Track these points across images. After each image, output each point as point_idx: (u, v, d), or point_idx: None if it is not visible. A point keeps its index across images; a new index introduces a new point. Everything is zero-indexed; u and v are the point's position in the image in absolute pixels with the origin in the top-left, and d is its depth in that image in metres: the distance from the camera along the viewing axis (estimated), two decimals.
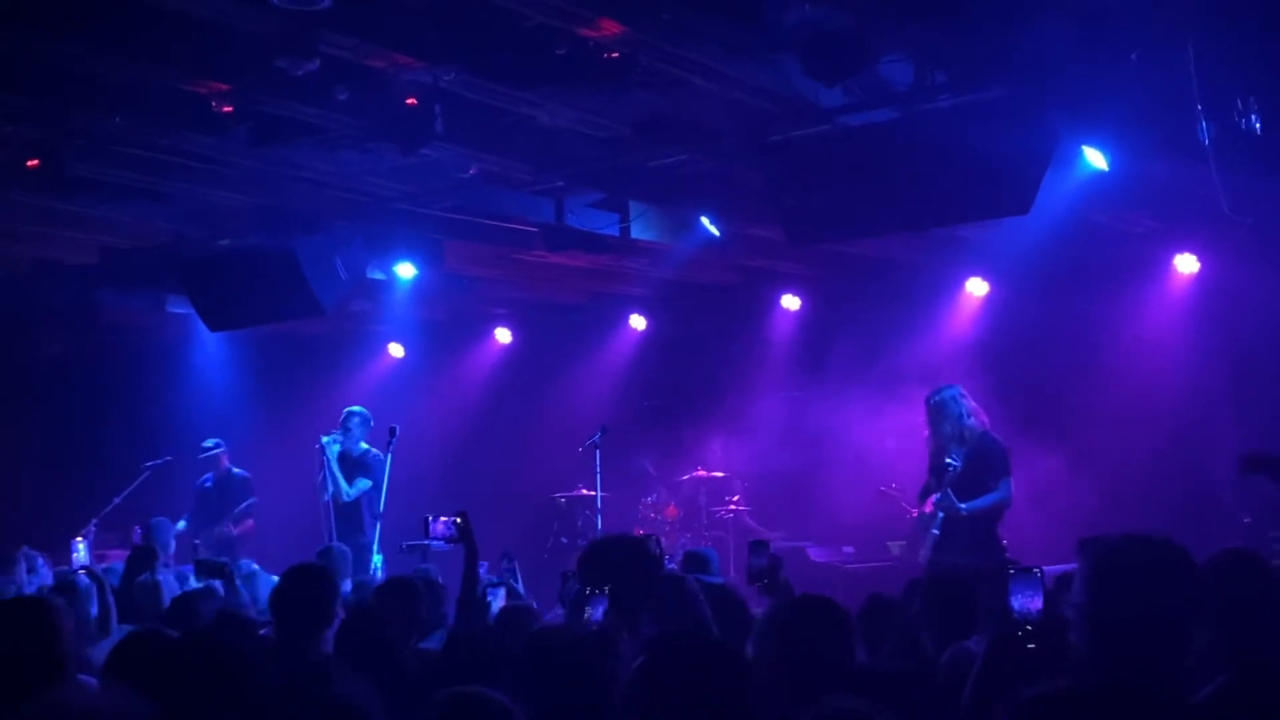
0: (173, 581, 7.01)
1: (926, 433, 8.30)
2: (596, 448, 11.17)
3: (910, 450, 9.00)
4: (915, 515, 8.61)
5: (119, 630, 5.90)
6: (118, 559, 8.30)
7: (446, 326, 13.90)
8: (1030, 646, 3.08)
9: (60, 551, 8.57)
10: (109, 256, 10.69)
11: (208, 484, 11.69)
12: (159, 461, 11.79)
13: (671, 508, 12.19)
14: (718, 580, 6.79)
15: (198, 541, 10.52)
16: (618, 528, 10.39)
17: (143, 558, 6.91)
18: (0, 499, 12.78)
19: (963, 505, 7.88)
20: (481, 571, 6.74)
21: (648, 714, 2.94)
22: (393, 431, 10.20)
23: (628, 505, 12.09)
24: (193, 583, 6.99)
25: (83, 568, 6.87)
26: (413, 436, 10.87)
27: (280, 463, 11.83)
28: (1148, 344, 10.23)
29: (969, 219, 8.34)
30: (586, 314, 13.33)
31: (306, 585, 4.62)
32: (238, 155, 8.15)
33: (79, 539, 8.64)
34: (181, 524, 10.80)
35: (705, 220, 9.35)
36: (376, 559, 9.91)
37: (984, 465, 8.00)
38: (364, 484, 10.51)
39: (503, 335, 14.01)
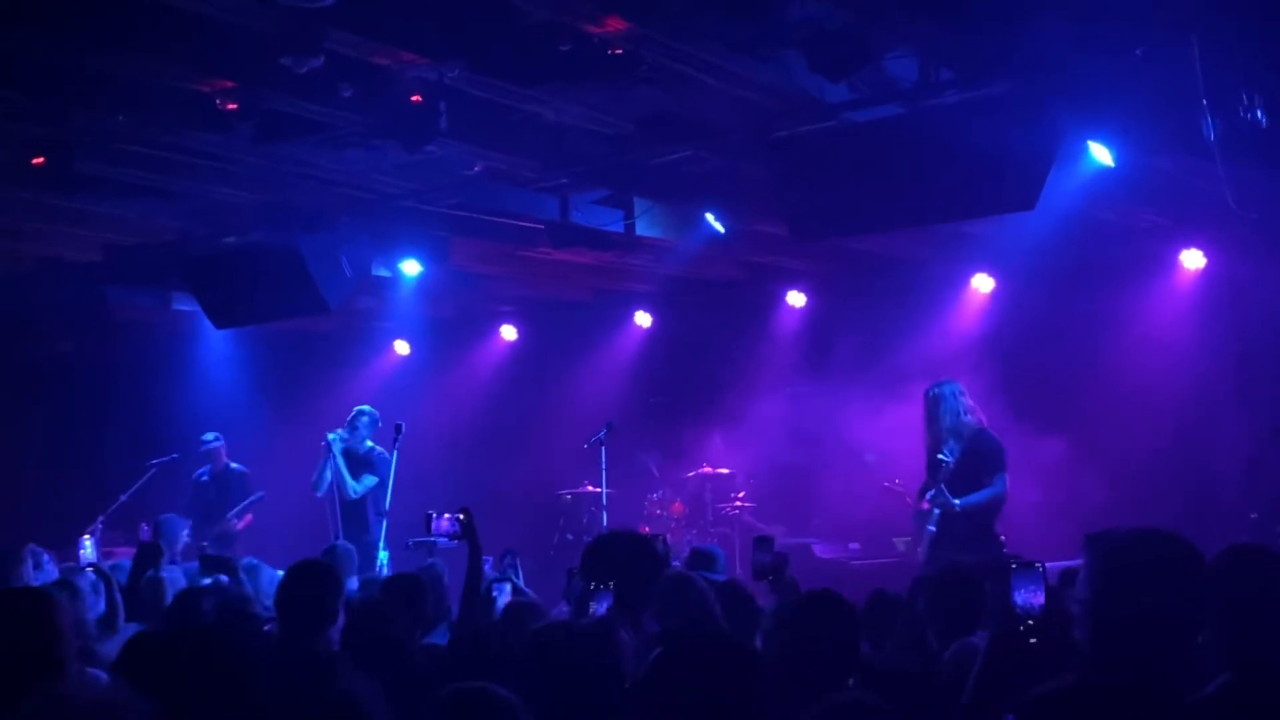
0: (180, 578, 7.02)
1: (923, 425, 8.31)
2: (602, 444, 11.17)
3: (916, 446, 8.99)
4: (912, 511, 8.60)
5: (126, 628, 5.91)
6: (124, 556, 8.32)
7: (452, 324, 13.91)
8: (1032, 642, 3.08)
9: (67, 549, 8.58)
10: (115, 254, 10.71)
11: (204, 478, 11.71)
12: (165, 459, 11.81)
13: (677, 504, 12.19)
14: (722, 578, 6.79)
15: (205, 544, 10.52)
16: (623, 524, 10.38)
17: (149, 555, 6.92)
18: (6, 496, 12.81)
19: (957, 501, 7.88)
20: (486, 568, 6.75)
21: (661, 708, 2.94)
22: (398, 428, 10.21)
23: (633, 502, 12.10)
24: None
25: (90, 565, 6.87)
26: (418, 433, 10.88)
27: (286, 459, 11.83)
28: (1153, 339, 10.21)
29: (975, 215, 8.34)
30: (592, 311, 13.33)
31: (310, 582, 4.62)
32: (242, 153, 8.16)
33: (86, 536, 8.64)
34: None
35: (710, 217, 9.35)
36: (383, 556, 9.92)
37: (979, 461, 8.00)
38: (370, 481, 10.53)
39: (508, 332, 14.01)
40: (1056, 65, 6.54)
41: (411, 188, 9.23)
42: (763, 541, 5.41)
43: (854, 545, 11.33)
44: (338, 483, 10.56)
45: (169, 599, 6.20)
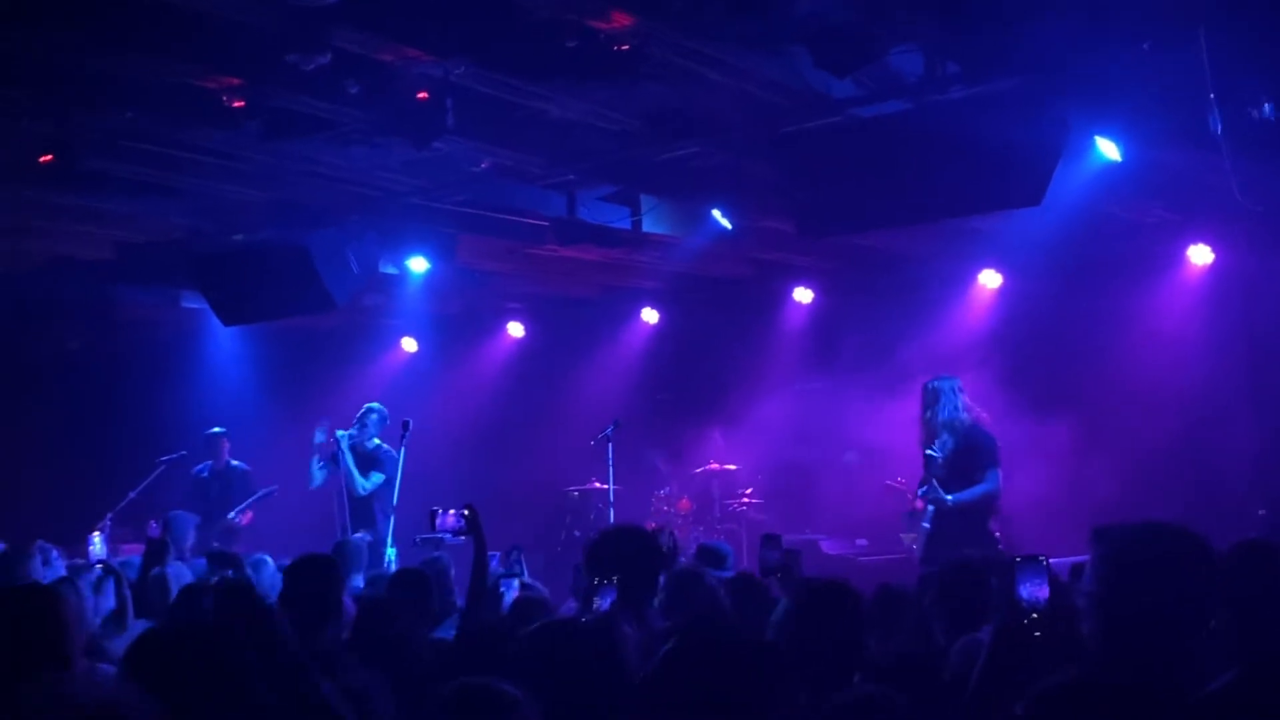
0: (187, 574, 7.04)
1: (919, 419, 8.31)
2: (609, 441, 11.18)
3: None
4: (909, 510, 8.60)
5: (136, 624, 5.93)
6: (132, 553, 8.34)
7: (459, 321, 13.92)
8: (1036, 635, 3.07)
9: (76, 545, 8.60)
10: (124, 252, 10.73)
11: (204, 474, 11.74)
12: (174, 456, 11.83)
13: (684, 501, 12.20)
14: (730, 576, 6.78)
15: (216, 543, 10.54)
16: (630, 521, 10.39)
17: (157, 551, 6.94)
18: (15, 493, 12.84)
19: (949, 497, 7.88)
20: (493, 564, 6.75)
21: (673, 701, 2.95)
22: (406, 425, 10.23)
23: (640, 498, 12.11)
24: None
25: (100, 562, 6.89)
26: (426, 430, 10.90)
27: (293, 456, 11.85)
28: (1161, 335, 10.19)
29: (981, 210, 8.33)
30: (598, 308, 13.34)
31: (313, 576, 4.62)
32: (250, 150, 8.17)
33: (96, 533, 8.66)
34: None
35: (717, 213, 9.35)
36: (390, 553, 9.94)
37: (972, 457, 8.00)
38: (377, 479, 10.55)
39: (515, 329, 14.02)
40: (1063, 60, 6.53)
41: (418, 185, 9.23)
42: (770, 539, 5.41)
43: (861, 541, 11.33)
44: (345, 480, 10.58)
45: (174, 595, 6.21)
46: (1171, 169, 8.30)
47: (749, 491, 12.07)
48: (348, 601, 4.86)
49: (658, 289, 12.74)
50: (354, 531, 10.06)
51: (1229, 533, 3.37)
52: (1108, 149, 7.35)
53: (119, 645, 4.61)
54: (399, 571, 6.57)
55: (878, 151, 7.51)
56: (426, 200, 9.57)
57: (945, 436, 8.07)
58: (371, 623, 4.79)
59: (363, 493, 10.52)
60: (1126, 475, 9.75)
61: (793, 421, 11.69)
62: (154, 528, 8.23)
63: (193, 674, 2.73)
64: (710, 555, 6.74)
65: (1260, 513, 9.26)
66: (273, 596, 5.14)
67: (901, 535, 10.70)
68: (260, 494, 11.52)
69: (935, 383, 8.23)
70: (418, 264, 10.68)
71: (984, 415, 8.28)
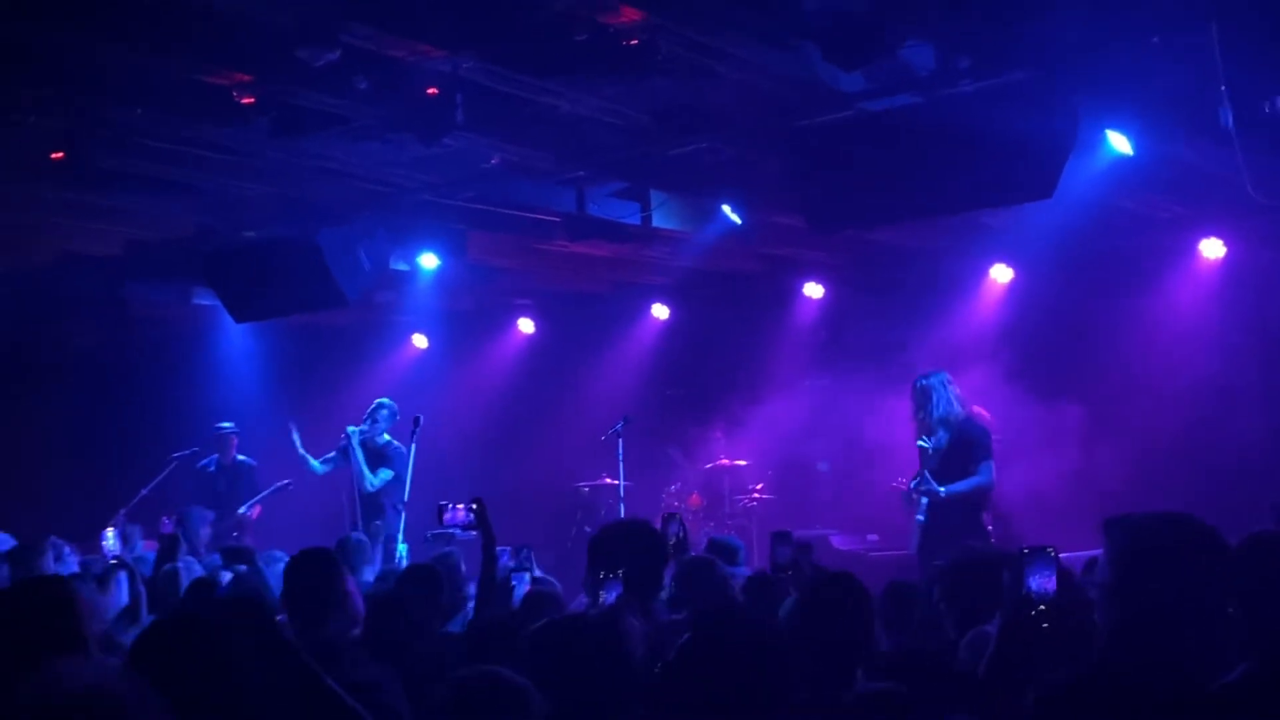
0: (198, 569, 7.06)
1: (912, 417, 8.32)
2: (619, 437, 11.19)
3: None
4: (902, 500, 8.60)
5: (149, 619, 5.95)
6: (145, 549, 8.37)
7: (470, 317, 13.93)
8: (1044, 626, 3.07)
9: (88, 542, 8.63)
10: (135, 249, 10.77)
11: (211, 469, 11.78)
12: (186, 452, 11.88)
13: (695, 496, 12.20)
14: (745, 571, 6.77)
15: (235, 534, 10.58)
16: (639, 516, 10.40)
17: (169, 547, 6.96)
18: (28, 489, 12.88)
19: (942, 489, 7.88)
20: (504, 559, 6.76)
21: (692, 692, 2.95)
22: (416, 421, 10.25)
23: (651, 494, 12.11)
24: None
25: (115, 558, 6.91)
26: (436, 427, 10.92)
27: (307, 451, 11.88)
28: (1173, 329, 10.17)
29: (992, 204, 8.31)
30: (609, 303, 13.34)
31: (312, 571, 4.62)
32: (260, 147, 8.18)
33: (109, 529, 8.69)
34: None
35: (727, 208, 9.34)
36: (402, 548, 9.96)
37: (966, 450, 8.00)
38: (386, 474, 10.57)
39: (525, 325, 14.03)
40: (1074, 53, 6.51)
41: (428, 181, 9.24)
42: (781, 536, 5.41)
43: (872, 537, 11.32)
44: (355, 476, 10.61)
45: (184, 590, 6.23)
46: (1183, 163, 8.27)
47: (759, 487, 12.07)
48: (357, 597, 4.85)
49: (668, 285, 12.73)
50: (365, 527, 10.08)
51: (1240, 527, 3.35)
52: (1119, 143, 7.33)
53: (132, 640, 4.62)
54: (410, 567, 6.58)
55: (888, 146, 7.49)
56: (437, 196, 9.58)
57: (941, 432, 8.08)
58: (382, 618, 4.80)
59: (371, 489, 10.54)
60: (1137, 468, 9.74)
61: (803, 417, 11.67)
62: (166, 523, 8.27)
63: (195, 666, 2.74)
64: (721, 550, 6.71)
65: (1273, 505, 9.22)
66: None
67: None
68: (275, 487, 11.55)
69: (924, 380, 8.24)
70: (428, 260, 10.69)
71: (978, 408, 8.28)
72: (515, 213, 9.95)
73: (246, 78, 6.93)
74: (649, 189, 9.88)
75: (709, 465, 12.33)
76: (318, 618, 4.42)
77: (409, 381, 13.18)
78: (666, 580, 4.95)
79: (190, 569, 6.76)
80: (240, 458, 11.86)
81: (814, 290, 12.31)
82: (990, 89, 7.00)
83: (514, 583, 5.22)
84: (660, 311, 13.20)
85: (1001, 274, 11.25)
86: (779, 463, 12.12)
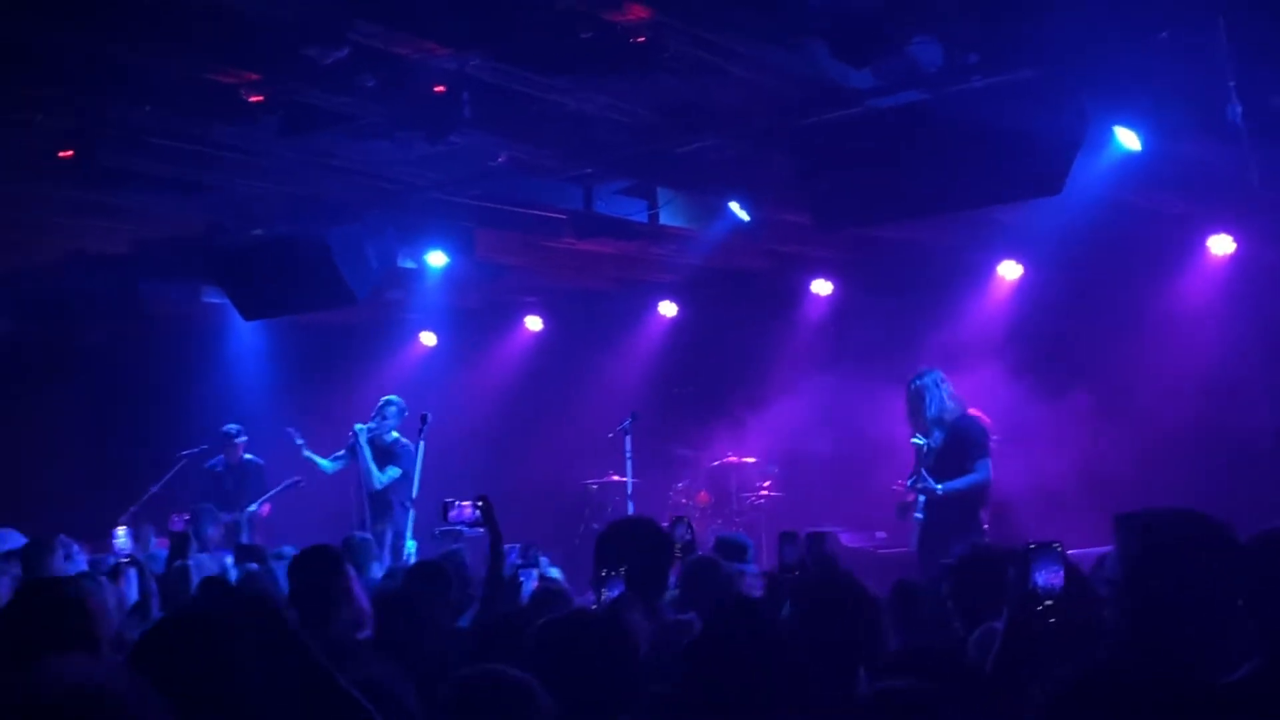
0: (210, 566, 7.08)
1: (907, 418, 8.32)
2: (627, 434, 11.19)
3: None
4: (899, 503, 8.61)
5: (159, 617, 5.96)
6: (156, 547, 8.39)
7: (477, 314, 13.95)
8: (1051, 622, 3.07)
9: (98, 540, 8.65)
10: (145, 247, 10.79)
11: (219, 468, 11.80)
12: (195, 450, 11.92)
13: (703, 494, 12.19)
14: (753, 569, 6.76)
15: (244, 538, 10.60)
16: (648, 514, 10.40)
17: (179, 545, 6.98)
18: (37, 487, 12.93)
19: (940, 486, 7.87)
20: (513, 556, 6.76)
21: (702, 689, 2.96)
22: (424, 419, 10.26)
23: (658, 492, 12.10)
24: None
25: (127, 556, 6.92)
26: (444, 424, 10.93)
27: (314, 450, 11.91)
28: (1182, 325, 10.14)
29: (1001, 201, 8.29)
30: (616, 301, 13.34)
31: (316, 569, 4.63)
32: (268, 145, 8.20)
33: (121, 528, 8.71)
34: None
35: (734, 206, 9.33)
36: (410, 546, 9.97)
37: (963, 447, 8.00)
38: (393, 472, 10.58)
39: (533, 323, 14.04)
40: (1082, 49, 6.50)
41: (436, 178, 9.25)
42: (788, 536, 5.40)
43: (881, 534, 11.31)
44: (363, 473, 10.62)
45: (194, 586, 6.24)
46: (1192, 159, 8.25)
47: (767, 484, 12.06)
48: (363, 596, 4.86)
49: (675, 282, 12.73)
50: (373, 525, 10.10)
51: (1248, 522, 3.34)
52: (1127, 139, 7.31)
53: None
54: (417, 564, 6.59)
55: (896, 143, 7.49)
56: (444, 194, 9.59)
57: (934, 431, 8.09)
58: (390, 615, 4.80)
59: (379, 486, 10.56)
60: (1146, 464, 9.71)
61: (811, 414, 11.65)
62: (176, 521, 8.29)
63: (197, 665, 2.74)
64: (730, 548, 6.68)
65: None
66: None
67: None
68: (285, 484, 11.57)
69: (917, 381, 8.25)
70: (436, 258, 10.71)
71: (974, 410, 8.28)
72: (523, 210, 9.96)
73: (255, 76, 6.94)
74: (656, 186, 9.88)
75: (716, 463, 12.31)
76: (322, 615, 4.43)
77: (417, 379, 13.20)
78: (672, 581, 4.95)
79: (201, 567, 6.78)
80: (247, 457, 11.88)
81: (822, 287, 12.30)
82: (998, 85, 6.99)
83: (521, 579, 5.23)
84: (668, 309, 13.19)
85: (1010, 270, 11.23)
86: (787, 460, 12.11)
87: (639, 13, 6.19)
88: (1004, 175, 7.26)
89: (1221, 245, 10.19)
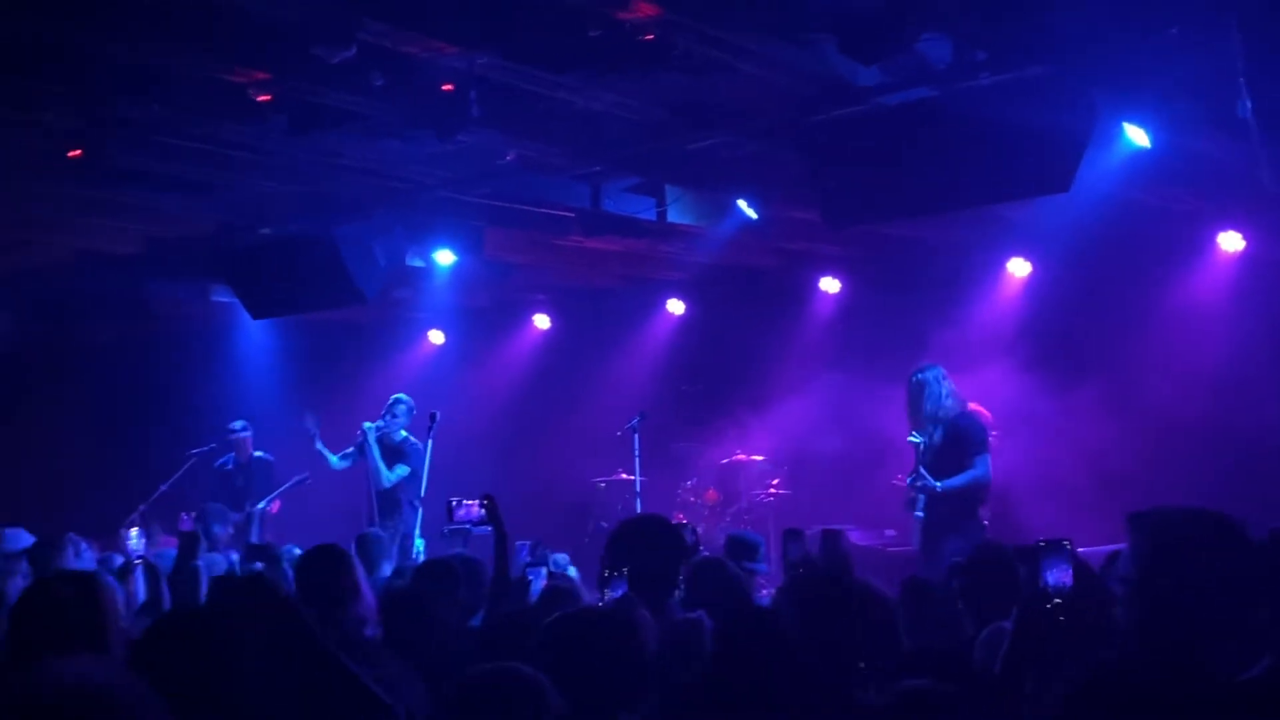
0: (221, 565, 7.09)
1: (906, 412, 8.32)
2: (635, 432, 11.19)
3: None
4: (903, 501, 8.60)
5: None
6: (165, 545, 8.40)
7: (485, 313, 13.96)
8: (1060, 620, 3.06)
9: (107, 538, 8.67)
10: (154, 246, 10.81)
11: (229, 467, 11.83)
12: (204, 449, 11.94)
13: (711, 492, 12.18)
14: (764, 568, 6.74)
15: (256, 537, 10.62)
16: (656, 512, 10.39)
17: (189, 544, 6.99)
18: (47, 486, 12.97)
19: (938, 483, 7.87)
20: (524, 554, 6.76)
21: (724, 691, 2.96)
22: (433, 417, 10.27)
23: (667, 490, 12.10)
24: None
25: (140, 558, 6.92)
26: (453, 422, 10.93)
27: (325, 446, 11.93)
28: (1192, 323, 10.10)
29: (1010, 198, 8.27)
30: (624, 299, 13.34)
31: (323, 567, 4.63)
32: (277, 144, 8.21)
33: (134, 528, 8.72)
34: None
35: (742, 203, 9.32)
36: (419, 544, 9.98)
37: (961, 444, 7.99)
38: (402, 470, 10.59)
39: (541, 321, 14.04)
40: (1091, 45, 6.48)
41: (444, 177, 9.26)
42: (793, 534, 5.39)
43: (890, 532, 11.29)
44: (372, 472, 10.64)
45: (205, 586, 6.26)
46: (1201, 155, 8.22)
47: (775, 482, 12.05)
48: (370, 594, 4.86)
49: (683, 280, 12.72)
50: (382, 523, 10.11)
51: (1260, 520, 3.33)
52: (1136, 135, 7.29)
53: None
54: (425, 563, 6.58)
55: (905, 140, 7.48)
56: (452, 193, 9.59)
57: (933, 428, 8.09)
58: (398, 613, 4.81)
59: (387, 485, 10.57)
60: (1156, 462, 9.69)
61: (820, 412, 11.64)
62: (185, 520, 8.30)
63: (196, 664, 2.74)
64: (741, 546, 6.65)
65: None
66: None
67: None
68: (293, 481, 11.59)
69: (919, 375, 8.23)
70: (444, 257, 10.71)
71: (974, 405, 8.27)
72: (531, 208, 9.96)
73: (263, 75, 6.95)
74: (664, 184, 9.87)
75: (725, 461, 12.30)
76: (330, 614, 4.43)
77: (425, 377, 13.21)
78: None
79: (212, 566, 6.79)
80: (257, 454, 11.90)
81: (830, 285, 12.28)
82: (1007, 82, 6.97)
83: (530, 578, 5.23)
84: (676, 307, 13.19)
85: (1019, 268, 11.20)
86: (795, 458, 12.09)
87: (647, 10, 6.19)
88: (1013, 172, 7.24)
89: (1231, 242, 10.15)
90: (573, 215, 9.96)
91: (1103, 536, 6.19)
